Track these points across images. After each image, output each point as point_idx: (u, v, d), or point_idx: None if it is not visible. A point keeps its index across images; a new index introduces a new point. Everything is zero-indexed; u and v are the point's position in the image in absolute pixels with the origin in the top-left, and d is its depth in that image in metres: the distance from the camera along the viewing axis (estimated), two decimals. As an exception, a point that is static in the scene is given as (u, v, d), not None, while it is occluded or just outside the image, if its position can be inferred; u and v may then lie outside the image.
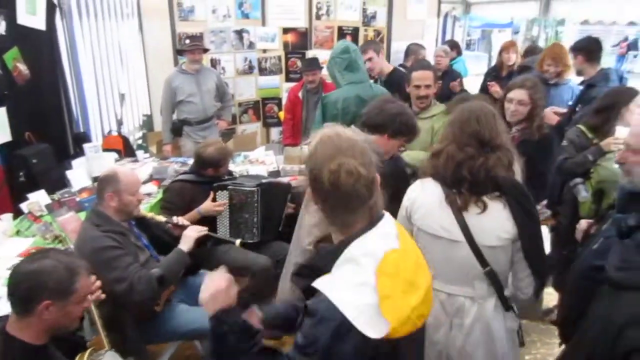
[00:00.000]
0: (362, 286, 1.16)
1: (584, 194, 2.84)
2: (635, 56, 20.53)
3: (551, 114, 3.76)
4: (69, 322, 1.62)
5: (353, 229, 1.25)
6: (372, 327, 1.12)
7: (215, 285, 1.36)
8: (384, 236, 1.25)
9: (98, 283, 1.89)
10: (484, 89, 5.27)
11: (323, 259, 1.27)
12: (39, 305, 1.53)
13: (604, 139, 2.80)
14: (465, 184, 1.78)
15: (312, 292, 1.21)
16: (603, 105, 2.84)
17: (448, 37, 8.84)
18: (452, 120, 1.92)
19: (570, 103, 3.97)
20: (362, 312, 1.13)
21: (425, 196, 1.89)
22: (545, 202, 3.25)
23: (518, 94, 2.86)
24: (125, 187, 2.41)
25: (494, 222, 1.77)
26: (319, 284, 1.19)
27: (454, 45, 6.69)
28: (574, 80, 4.16)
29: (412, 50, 4.89)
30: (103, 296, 1.90)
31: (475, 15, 9.68)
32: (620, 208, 1.80)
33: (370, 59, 3.99)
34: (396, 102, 2.37)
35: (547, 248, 3.69)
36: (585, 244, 2.08)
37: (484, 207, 1.75)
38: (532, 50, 4.92)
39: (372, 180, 1.25)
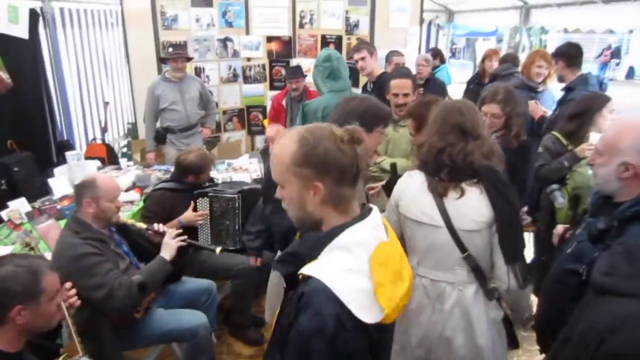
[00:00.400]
0: (356, 273, 1.17)
1: (560, 200, 2.88)
2: (617, 64, 20.93)
3: (536, 107, 3.82)
4: (46, 321, 1.62)
5: (346, 211, 1.26)
6: (367, 312, 1.14)
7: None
8: (375, 227, 1.27)
9: (73, 291, 1.88)
10: (467, 96, 5.36)
11: (308, 246, 1.26)
12: (10, 312, 1.53)
13: (578, 145, 2.85)
14: (445, 170, 1.87)
15: (294, 280, 1.23)
16: (576, 112, 2.89)
17: (432, 45, 8.97)
18: (436, 114, 1.99)
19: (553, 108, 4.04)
20: (356, 297, 1.15)
21: (410, 185, 1.98)
22: (525, 208, 3.30)
23: (490, 108, 2.88)
24: (104, 193, 2.40)
25: (471, 206, 1.85)
26: (308, 269, 1.18)
27: (437, 54, 6.79)
28: (556, 87, 4.22)
29: (392, 58, 4.96)
30: (78, 302, 1.89)
31: (459, 24, 9.83)
32: (592, 212, 1.83)
33: (363, 59, 4.03)
34: (356, 97, 2.36)
35: (530, 254, 3.78)
36: (560, 248, 2.11)
37: (462, 193, 1.84)
38: (507, 58, 4.99)
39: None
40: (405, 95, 3.14)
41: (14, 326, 1.56)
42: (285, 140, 1.26)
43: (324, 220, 1.27)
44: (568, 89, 3.71)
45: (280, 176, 1.28)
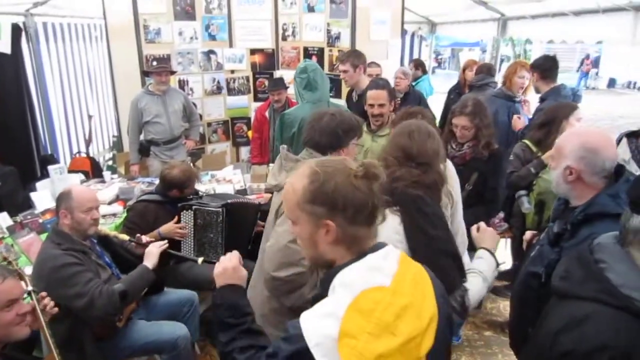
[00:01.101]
0: (329, 316, 1.10)
1: (526, 205, 2.98)
2: (597, 73, 21.34)
3: (517, 120, 3.92)
4: (2, 331, 1.63)
5: (361, 247, 1.18)
6: None
7: (227, 262, 1.44)
8: (371, 269, 1.15)
9: (48, 299, 1.90)
10: (447, 106, 5.47)
11: (322, 286, 1.22)
12: None
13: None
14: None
15: None
16: (545, 120, 3.01)
17: (415, 56, 9.10)
18: (392, 133, 2.03)
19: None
20: (321, 343, 1.07)
21: None
22: (502, 215, 3.38)
23: (460, 120, 3.02)
24: (77, 204, 2.42)
25: (386, 235, 1.69)
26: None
27: (419, 64, 6.91)
28: (534, 98, 4.32)
29: (368, 71, 5.04)
30: (55, 309, 1.90)
31: (442, 35, 9.99)
32: (554, 217, 1.92)
33: (345, 72, 4.03)
34: (324, 113, 2.22)
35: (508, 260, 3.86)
36: (527, 253, 2.19)
37: (383, 218, 1.64)
38: (482, 69, 5.09)
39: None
40: (381, 105, 3.22)
41: None
42: (297, 175, 1.20)
43: (336, 261, 1.19)
44: (542, 100, 3.83)
45: (291, 213, 1.22)
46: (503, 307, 3.87)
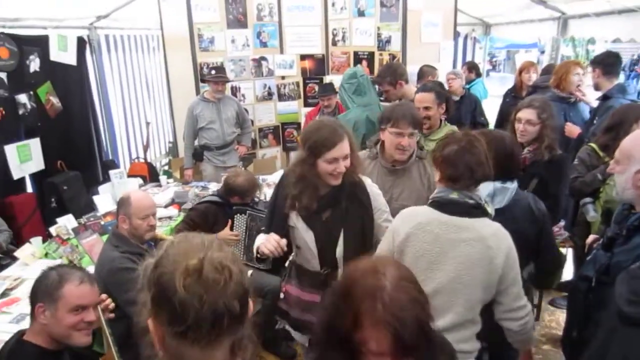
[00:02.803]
0: None
1: (592, 213, 2.80)
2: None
3: (572, 128, 3.73)
4: (64, 331, 1.69)
5: None
6: None
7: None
8: None
9: (109, 301, 1.96)
10: (503, 109, 5.28)
11: None
12: (35, 308, 1.67)
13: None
14: None
15: None
16: (612, 123, 2.82)
17: (469, 59, 8.86)
18: None
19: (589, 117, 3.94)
20: None
21: None
22: (562, 223, 3.21)
23: (526, 113, 2.84)
24: (135, 210, 2.49)
25: None
26: None
27: (472, 67, 6.72)
28: (592, 95, 4.10)
29: (425, 72, 4.94)
30: (112, 315, 1.97)
31: (496, 37, 9.68)
32: (615, 221, 1.81)
33: (387, 92, 3.86)
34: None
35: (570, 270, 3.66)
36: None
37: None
38: (549, 69, 4.87)
39: (244, 291, 0.90)
40: (426, 108, 3.11)
41: (41, 326, 1.68)
42: None
43: None
44: (605, 97, 3.62)
45: None
46: (562, 320, 3.66)
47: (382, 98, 3.95)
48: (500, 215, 1.88)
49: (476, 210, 1.76)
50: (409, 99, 3.82)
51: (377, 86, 4.00)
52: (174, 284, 0.84)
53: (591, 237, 2.23)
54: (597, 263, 1.68)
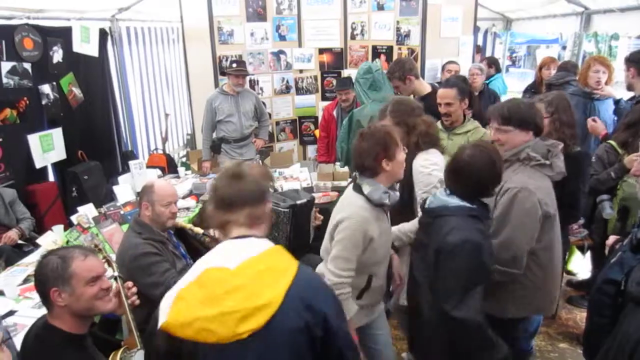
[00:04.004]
0: (181, 281, 1.40)
1: (608, 210, 2.77)
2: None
3: (597, 126, 3.51)
4: (88, 304, 1.73)
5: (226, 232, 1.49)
6: (162, 315, 1.34)
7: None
8: (225, 252, 1.41)
9: (134, 289, 2.01)
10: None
11: None
12: (49, 295, 1.70)
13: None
14: None
15: None
16: (633, 120, 2.78)
17: (488, 54, 8.74)
18: None
19: (615, 118, 3.83)
20: (165, 299, 1.38)
21: None
22: (582, 221, 3.17)
23: None
24: (158, 198, 2.54)
25: None
26: None
27: (492, 62, 6.64)
28: (624, 96, 3.97)
29: (447, 68, 4.93)
30: (137, 302, 2.01)
31: (517, 32, 9.53)
32: None
33: (397, 87, 3.87)
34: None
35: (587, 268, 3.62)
36: (608, 259, 2.05)
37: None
38: (566, 66, 4.78)
39: (258, 188, 1.54)
40: (448, 104, 3.13)
41: (61, 308, 1.71)
42: None
43: None
44: (638, 102, 3.36)
45: None
46: (580, 319, 3.63)
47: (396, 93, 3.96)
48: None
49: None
50: (421, 95, 3.85)
51: None
52: (217, 183, 1.53)
53: (612, 238, 2.19)
54: (626, 266, 1.64)
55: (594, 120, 3.54)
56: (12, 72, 4.17)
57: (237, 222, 1.47)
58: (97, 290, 1.75)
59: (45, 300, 1.73)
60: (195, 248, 2.89)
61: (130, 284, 2.02)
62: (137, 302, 2.03)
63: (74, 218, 3.51)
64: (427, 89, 3.91)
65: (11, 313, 2.56)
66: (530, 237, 2.11)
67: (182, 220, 3.50)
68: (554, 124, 2.70)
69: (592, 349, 1.79)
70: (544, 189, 2.16)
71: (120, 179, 4.30)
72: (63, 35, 4.75)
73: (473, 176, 1.93)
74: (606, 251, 2.26)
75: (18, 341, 1.87)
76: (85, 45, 5.00)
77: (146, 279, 2.36)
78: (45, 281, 1.71)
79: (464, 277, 1.80)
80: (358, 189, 2.16)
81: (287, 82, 5.68)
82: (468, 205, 1.93)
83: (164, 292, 2.33)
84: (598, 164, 2.88)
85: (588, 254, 3.58)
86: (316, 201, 3.50)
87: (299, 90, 5.75)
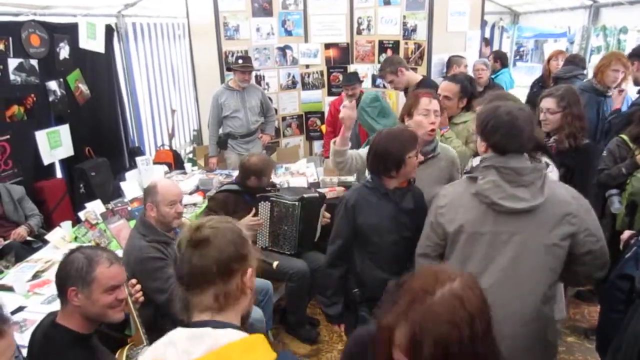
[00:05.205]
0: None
1: (617, 205, 2.75)
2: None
3: (618, 95, 3.61)
4: (101, 310, 1.74)
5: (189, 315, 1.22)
6: None
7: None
8: (165, 344, 1.13)
9: (138, 287, 2.01)
10: (530, 99, 5.17)
11: None
12: (67, 292, 1.71)
13: None
14: None
15: None
16: (646, 115, 2.75)
17: (495, 48, 8.66)
18: None
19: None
20: None
21: None
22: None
23: (546, 102, 2.80)
24: (163, 198, 2.52)
25: None
26: None
27: (498, 57, 6.58)
28: (631, 90, 3.93)
29: (453, 62, 4.89)
30: (142, 299, 2.02)
31: (525, 26, 9.45)
32: None
33: (391, 82, 4.04)
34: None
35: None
36: (622, 254, 2.04)
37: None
38: (573, 60, 4.73)
39: (225, 257, 1.20)
40: (446, 97, 3.15)
41: (74, 308, 1.72)
42: None
43: None
44: None
45: None
46: (587, 313, 3.62)
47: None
48: None
49: None
50: (414, 85, 3.98)
51: (381, 81, 4.06)
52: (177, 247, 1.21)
53: (626, 233, 2.17)
54: None
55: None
56: (19, 68, 4.18)
57: (199, 306, 1.16)
58: (112, 300, 1.76)
59: (61, 295, 1.75)
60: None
61: (134, 281, 2.02)
62: (142, 299, 2.04)
63: (81, 214, 3.53)
64: (418, 77, 4.10)
65: (21, 309, 2.58)
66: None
67: (189, 216, 3.53)
68: (566, 118, 2.70)
69: (605, 343, 1.78)
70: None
71: (128, 175, 4.32)
72: (69, 31, 4.76)
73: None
74: (621, 246, 2.23)
75: (27, 337, 1.88)
76: (92, 41, 5.01)
77: (150, 283, 2.37)
78: (67, 278, 1.72)
79: None
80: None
81: (293, 77, 5.66)
82: None
83: (168, 299, 2.35)
84: (609, 158, 2.85)
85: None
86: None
87: (305, 86, 5.73)
